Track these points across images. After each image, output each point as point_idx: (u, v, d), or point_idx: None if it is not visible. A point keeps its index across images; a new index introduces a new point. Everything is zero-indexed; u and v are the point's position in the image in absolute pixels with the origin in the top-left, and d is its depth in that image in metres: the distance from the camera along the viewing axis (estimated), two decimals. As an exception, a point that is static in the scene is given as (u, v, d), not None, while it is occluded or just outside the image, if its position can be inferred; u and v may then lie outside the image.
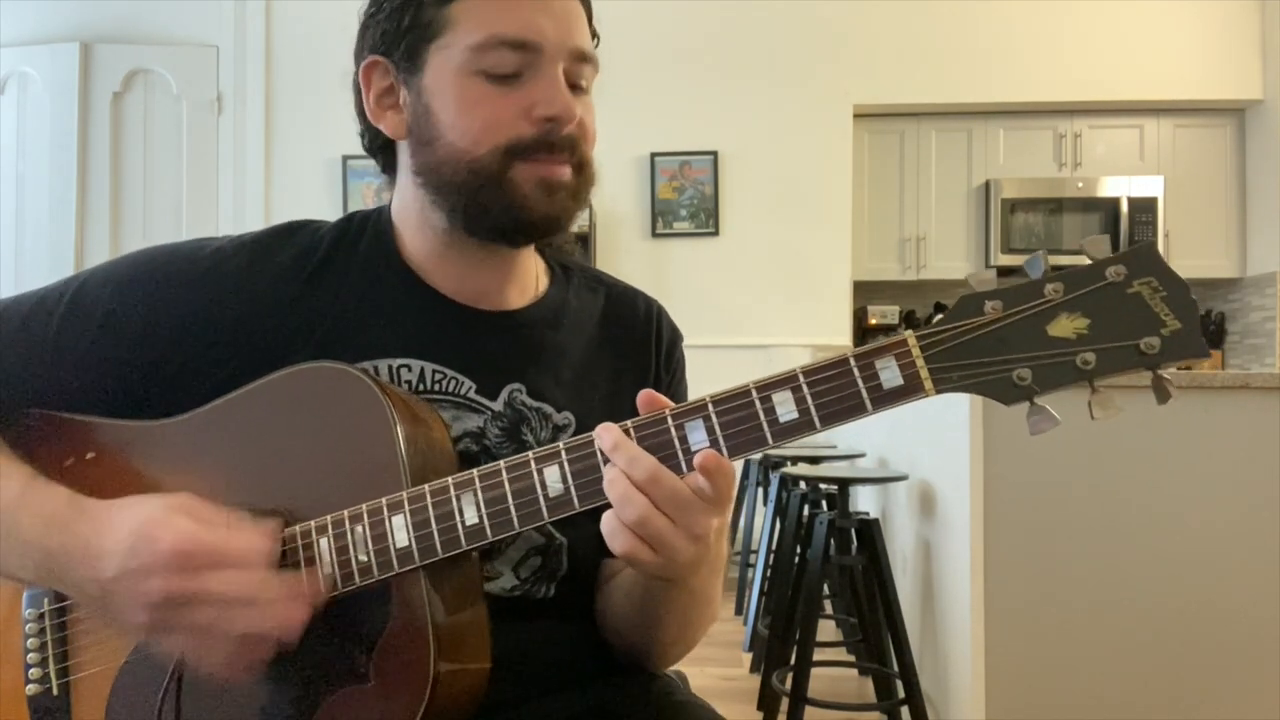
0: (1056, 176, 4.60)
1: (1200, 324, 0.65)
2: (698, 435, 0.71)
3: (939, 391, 0.67)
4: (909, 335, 0.68)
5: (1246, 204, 4.57)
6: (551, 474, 0.73)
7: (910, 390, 0.67)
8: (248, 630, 0.70)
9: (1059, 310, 0.66)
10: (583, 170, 0.88)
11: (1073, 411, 0.69)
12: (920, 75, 4.54)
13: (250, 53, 4.57)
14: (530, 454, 0.74)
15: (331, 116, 4.43)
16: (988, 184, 4.60)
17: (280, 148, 4.59)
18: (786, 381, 0.70)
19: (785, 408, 0.70)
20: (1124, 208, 4.50)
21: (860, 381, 0.68)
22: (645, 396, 0.73)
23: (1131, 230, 4.49)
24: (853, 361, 0.69)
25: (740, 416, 0.70)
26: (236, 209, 4.56)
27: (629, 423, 0.72)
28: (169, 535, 0.70)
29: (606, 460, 0.71)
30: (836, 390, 0.69)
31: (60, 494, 0.78)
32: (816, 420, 0.69)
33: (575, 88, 0.86)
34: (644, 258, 4.51)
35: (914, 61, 4.53)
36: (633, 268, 4.44)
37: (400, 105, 0.88)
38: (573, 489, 0.72)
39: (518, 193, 0.84)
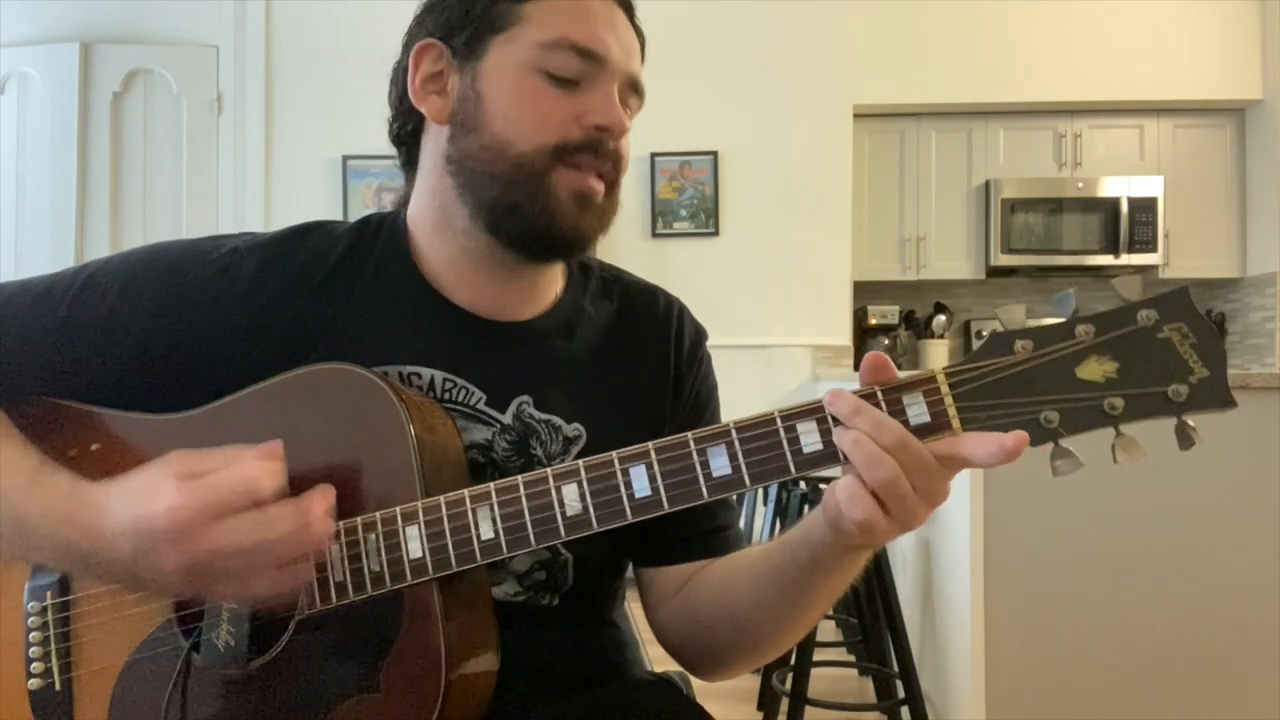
0: (1056, 176, 4.60)
1: (1226, 373, 0.65)
2: (720, 461, 0.70)
3: (966, 430, 0.67)
4: (938, 372, 0.68)
5: (1246, 204, 4.57)
6: (570, 492, 0.73)
7: (937, 428, 0.67)
8: (278, 564, 0.69)
9: (1089, 353, 0.66)
10: (613, 192, 0.88)
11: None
12: (920, 75, 4.54)
13: (250, 53, 4.56)
14: (549, 470, 0.73)
15: (331, 116, 4.43)
16: (988, 184, 4.60)
17: (280, 148, 4.58)
18: (811, 412, 0.69)
19: (810, 438, 0.69)
20: (1124, 208, 4.50)
21: None
22: (872, 360, 0.70)
23: (1131, 230, 4.49)
24: (880, 395, 0.68)
25: (763, 444, 0.70)
26: (236, 209, 4.56)
27: (653, 443, 0.72)
28: (162, 509, 0.68)
29: (837, 423, 0.69)
30: None
31: (62, 485, 0.77)
32: (841, 452, 0.68)
33: (625, 112, 0.87)
34: (644, 258, 4.50)
35: (914, 61, 4.53)
36: (633, 268, 4.36)
37: (447, 91, 0.87)
38: (591, 509, 0.72)
39: (553, 199, 0.84)
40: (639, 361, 0.96)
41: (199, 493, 0.68)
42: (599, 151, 0.84)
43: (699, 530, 0.92)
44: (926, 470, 0.67)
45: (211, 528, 0.68)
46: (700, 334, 1.02)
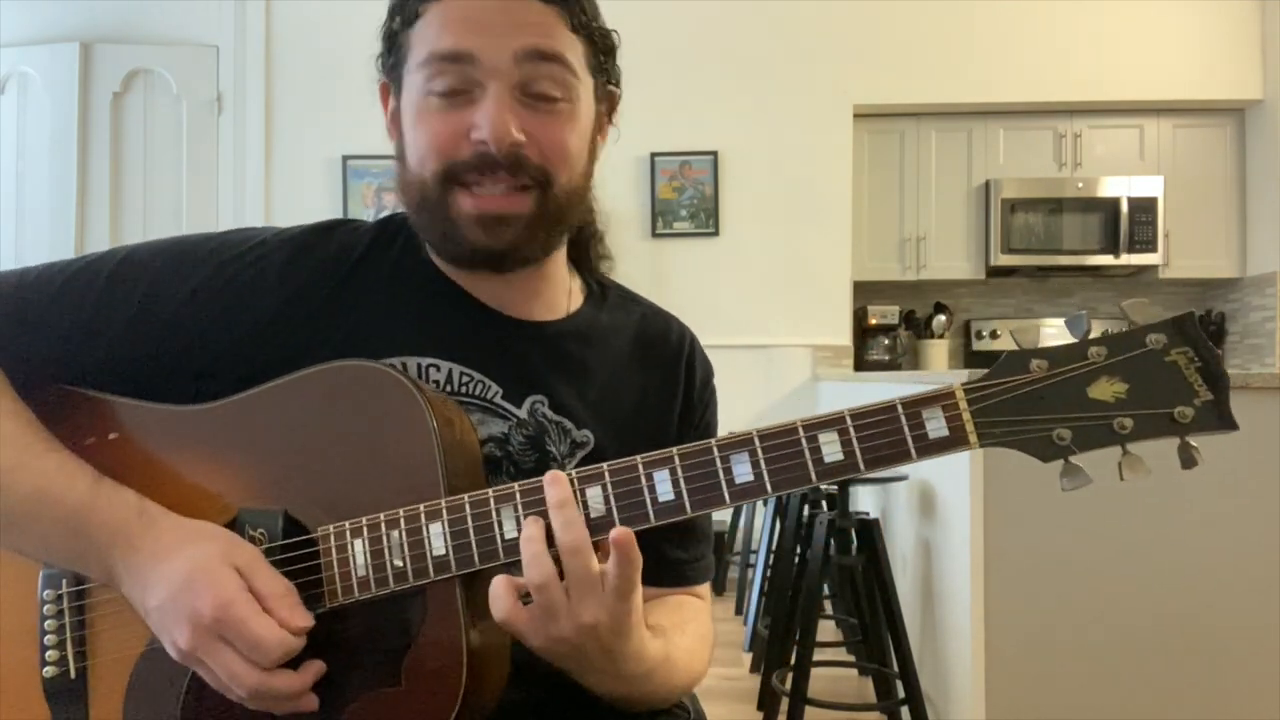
0: (1056, 176, 4.61)
1: (1229, 397, 0.68)
2: (743, 468, 0.72)
3: (982, 445, 0.69)
4: (957, 388, 0.70)
5: (1246, 204, 4.58)
6: (594, 494, 0.74)
7: (955, 442, 0.69)
8: (244, 700, 0.74)
9: (1100, 373, 0.69)
10: (547, 195, 0.84)
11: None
12: (920, 75, 4.54)
13: (250, 53, 4.57)
14: (575, 473, 0.75)
15: (331, 116, 4.44)
16: (988, 184, 4.60)
17: (280, 148, 4.58)
18: (832, 423, 0.71)
19: (830, 448, 0.71)
20: (1124, 208, 4.50)
21: (907, 429, 0.70)
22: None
23: (1131, 230, 4.50)
24: (900, 409, 0.70)
25: (785, 453, 0.72)
26: (236, 209, 4.56)
27: (677, 449, 0.73)
28: (210, 595, 0.73)
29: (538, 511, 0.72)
30: (882, 436, 0.70)
31: (129, 502, 0.79)
32: (861, 463, 0.70)
33: (540, 96, 0.83)
34: (644, 258, 4.50)
35: (914, 61, 4.53)
36: (633, 268, 4.40)
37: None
38: (615, 510, 0.74)
39: (456, 224, 0.84)
40: (649, 382, 0.98)
41: (245, 607, 0.73)
42: (488, 168, 0.81)
43: (659, 556, 0.93)
44: (586, 583, 0.70)
45: (223, 643, 0.73)
46: (709, 370, 1.04)
